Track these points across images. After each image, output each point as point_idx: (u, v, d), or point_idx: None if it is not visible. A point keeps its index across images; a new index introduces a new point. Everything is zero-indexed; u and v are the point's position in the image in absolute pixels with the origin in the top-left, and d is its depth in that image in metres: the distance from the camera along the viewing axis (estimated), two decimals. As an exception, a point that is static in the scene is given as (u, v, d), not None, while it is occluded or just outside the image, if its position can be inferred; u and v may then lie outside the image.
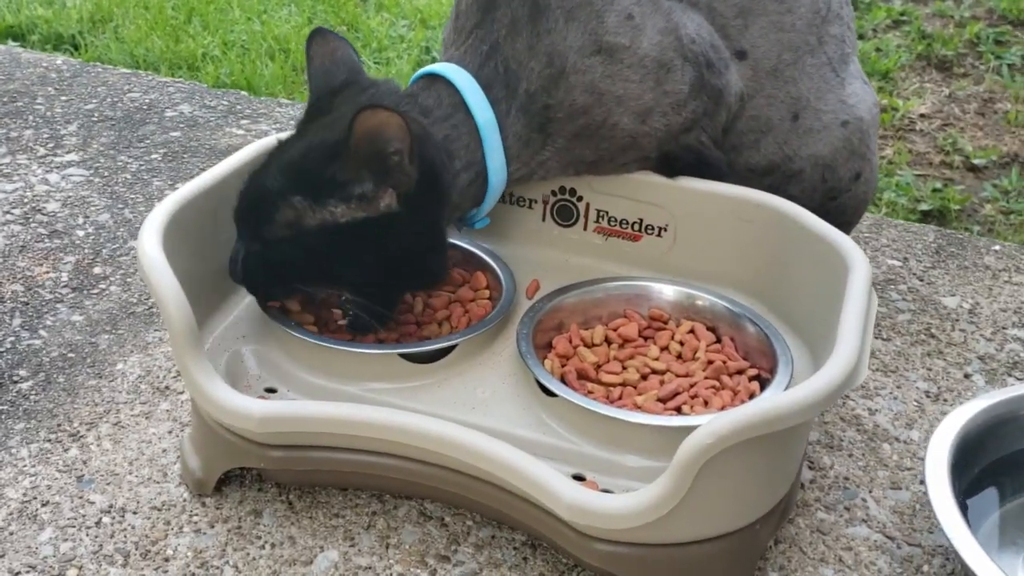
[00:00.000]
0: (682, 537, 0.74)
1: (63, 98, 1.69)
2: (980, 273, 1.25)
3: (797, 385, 0.73)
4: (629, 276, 1.01)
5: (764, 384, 0.88)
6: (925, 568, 0.84)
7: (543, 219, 1.06)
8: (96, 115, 1.63)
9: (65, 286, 1.18)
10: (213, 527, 0.85)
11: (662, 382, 0.89)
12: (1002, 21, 2.25)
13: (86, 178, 1.43)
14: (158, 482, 0.90)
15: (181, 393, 1.00)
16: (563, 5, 0.92)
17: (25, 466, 0.92)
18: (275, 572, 0.81)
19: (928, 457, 0.83)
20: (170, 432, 0.95)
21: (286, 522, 0.86)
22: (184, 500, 0.88)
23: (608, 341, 0.95)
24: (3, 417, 0.97)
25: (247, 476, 0.90)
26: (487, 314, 0.95)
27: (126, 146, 1.53)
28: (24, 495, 0.88)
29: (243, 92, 1.78)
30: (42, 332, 1.10)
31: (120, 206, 1.36)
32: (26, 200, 1.37)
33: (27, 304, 1.15)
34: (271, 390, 0.90)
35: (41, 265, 1.22)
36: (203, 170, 1.16)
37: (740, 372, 0.90)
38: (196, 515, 0.86)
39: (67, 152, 1.50)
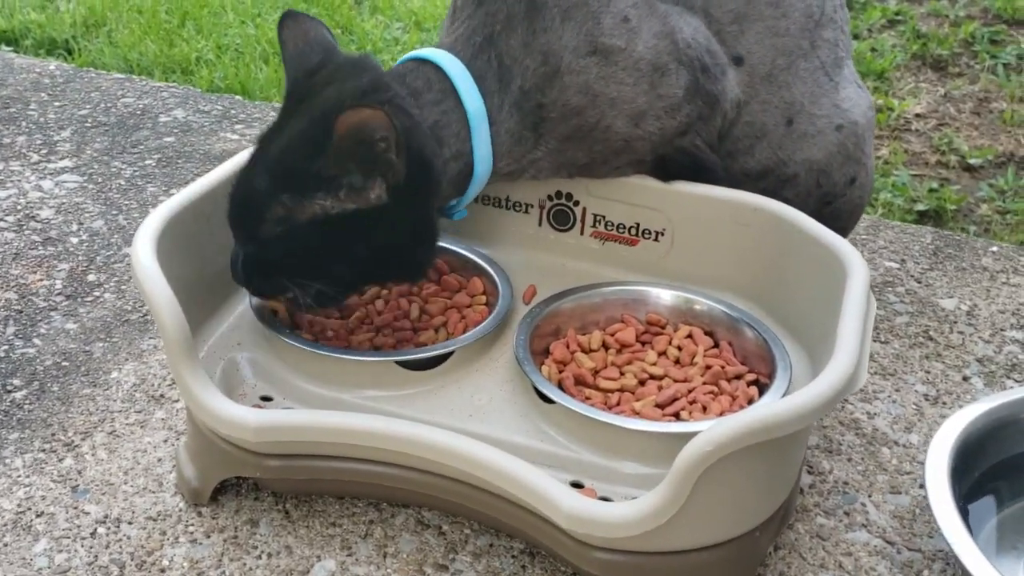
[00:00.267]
0: (681, 545, 0.74)
1: (56, 104, 1.68)
2: (978, 275, 1.25)
3: (796, 391, 0.73)
4: (626, 281, 1.00)
5: (763, 389, 0.88)
6: (925, 573, 0.83)
7: (539, 224, 1.06)
8: (90, 121, 1.62)
9: (59, 294, 1.18)
10: (209, 537, 0.85)
11: (660, 387, 0.89)
12: (997, 20, 2.25)
13: (80, 184, 1.42)
14: (154, 492, 0.89)
15: (176, 401, 1.00)
16: (560, 4, 0.92)
17: (19, 476, 0.91)
18: (272, 582, 0.81)
19: (928, 461, 0.83)
20: (165, 441, 0.95)
21: (283, 531, 0.85)
22: (180, 510, 0.87)
23: (606, 346, 0.95)
24: (-3, 427, 0.97)
25: (243, 485, 0.89)
26: (484, 320, 0.95)
27: (120, 152, 1.52)
28: (18, 506, 0.88)
29: (237, 96, 1.78)
30: (36, 340, 1.09)
31: (114, 212, 1.35)
32: (19, 207, 1.36)
33: (21, 312, 1.14)
34: (267, 398, 0.89)
35: (35, 273, 1.22)
36: (197, 176, 1.16)
37: (738, 377, 0.90)
38: (192, 525, 0.86)
39: (61, 158, 1.50)
